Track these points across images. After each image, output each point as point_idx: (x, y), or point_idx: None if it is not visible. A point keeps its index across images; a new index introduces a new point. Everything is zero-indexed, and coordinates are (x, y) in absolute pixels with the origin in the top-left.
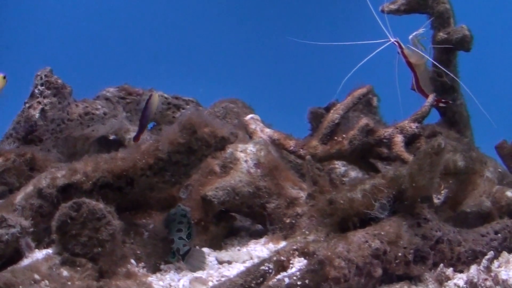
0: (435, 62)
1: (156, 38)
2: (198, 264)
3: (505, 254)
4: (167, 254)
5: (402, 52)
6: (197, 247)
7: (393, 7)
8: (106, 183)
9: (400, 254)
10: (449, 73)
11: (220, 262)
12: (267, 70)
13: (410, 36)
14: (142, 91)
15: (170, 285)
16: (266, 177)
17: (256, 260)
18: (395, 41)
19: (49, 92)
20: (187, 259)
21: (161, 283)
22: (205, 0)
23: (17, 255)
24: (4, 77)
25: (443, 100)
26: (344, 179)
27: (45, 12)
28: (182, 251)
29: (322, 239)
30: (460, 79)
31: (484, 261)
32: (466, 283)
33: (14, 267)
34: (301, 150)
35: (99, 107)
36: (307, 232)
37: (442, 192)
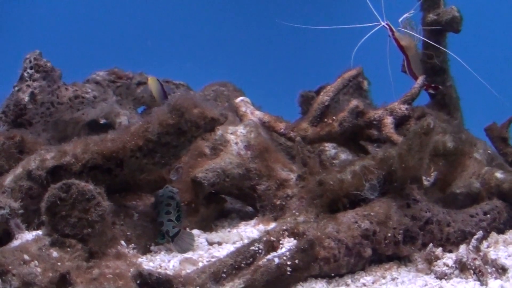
0: (431, 42)
1: (146, 21)
2: (187, 246)
3: (494, 234)
4: (157, 235)
5: (393, 35)
6: (187, 229)
7: None
8: (95, 165)
9: (389, 234)
10: (445, 50)
11: (210, 243)
12: (257, 53)
13: (400, 19)
14: (132, 74)
15: (161, 266)
16: (256, 159)
17: (246, 241)
18: (386, 24)
19: (38, 75)
20: (176, 241)
21: (151, 264)
22: None
23: (7, 237)
24: None
25: (432, 85)
26: (334, 161)
27: None
28: (172, 233)
29: (312, 220)
30: (449, 61)
31: (473, 241)
32: (455, 262)
33: (3, 248)
34: (291, 132)
35: (89, 90)
36: (297, 213)
37: (432, 174)
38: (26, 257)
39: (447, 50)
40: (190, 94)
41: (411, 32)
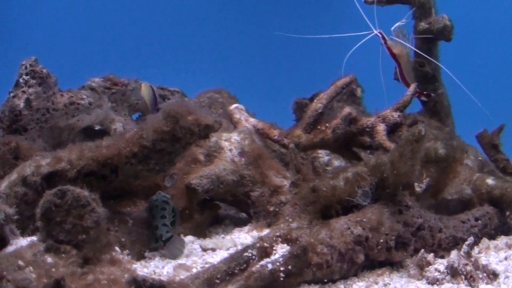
0: (421, 53)
1: (141, 28)
2: (176, 252)
3: (485, 240)
4: (151, 241)
5: (386, 43)
6: (182, 235)
7: None
8: (90, 171)
9: (382, 240)
10: (435, 61)
11: (204, 250)
12: (252, 60)
13: (393, 28)
14: (127, 81)
15: (155, 272)
16: (250, 166)
17: (240, 247)
18: (378, 32)
19: (34, 81)
20: (167, 246)
21: (145, 270)
22: None
23: (2, 242)
24: None
25: (425, 93)
26: (327, 168)
27: (29, 1)
28: (165, 237)
29: (305, 226)
30: (441, 69)
31: (465, 247)
32: (446, 268)
33: None
34: (285, 139)
35: (84, 97)
36: (290, 220)
37: (424, 181)
38: (21, 263)
39: (433, 59)
40: (184, 101)
41: (402, 42)
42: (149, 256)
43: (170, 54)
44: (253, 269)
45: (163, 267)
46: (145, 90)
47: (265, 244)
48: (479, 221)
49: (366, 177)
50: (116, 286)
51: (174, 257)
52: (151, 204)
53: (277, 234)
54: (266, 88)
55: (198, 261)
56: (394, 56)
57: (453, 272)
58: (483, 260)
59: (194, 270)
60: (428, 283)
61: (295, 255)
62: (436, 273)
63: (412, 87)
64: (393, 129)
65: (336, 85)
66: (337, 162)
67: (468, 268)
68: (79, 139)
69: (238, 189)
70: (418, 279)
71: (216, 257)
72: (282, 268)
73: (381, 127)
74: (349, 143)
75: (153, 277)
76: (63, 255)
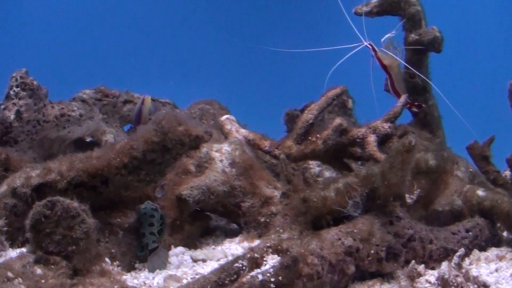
0: (408, 66)
1: (133, 39)
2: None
3: (476, 251)
4: (137, 246)
5: (376, 55)
6: (172, 246)
7: (366, 9)
8: (81, 182)
9: (372, 251)
10: (423, 75)
11: (195, 260)
12: (244, 71)
13: (383, 39)
14: (118, 93)
15: (145, 283)
16: (241, 177)
17: (230, 258)
18: (368, 44)
19: (24, 93)
20: (151, 257)
21: (135, 281)
22: (182, 4)
23: None
24: None
25: (416, 104)
26: (318, 179)
27: (20, 13)
28: (151, 247)
29: (295, 237)
30: (432, 80)
31: (455, 258)
32: (437, 279)
33: None
34: (276, 150)
35: (75, 108)
36: (281, 230)
37: (415, 192)
38: (10, 274)
39: (422, 72)
40: (175, 112)
41: (392, 54)
42: (139, 267)
43: (161, 65)
44: (244, 280)
45: (153, 278)
46: (147, 104)
47: (256, 255)
48: (470, 233)
49: (356, 188)
50: None
51: (155, 269)
52: (139, 211)
53: (268, 245)
54: (257, 99)
55: (189, 272)
56: (384, 67)
57: (444, 284)
58: (473, 271)
59: (185, 281)
60: None
61: (286, 266)
62: (427, 285)
63: (403, 98)
64: (383, 140)
65: (327, 96)
66: (328, 173)
67: (459, 279)
68: (70, 151)
69: (229, 200)
70: None
71: (206, 268)
72: (272, 279)
73: (372, 138)
74: (340, 154)
75: None
76: (52, 266)
